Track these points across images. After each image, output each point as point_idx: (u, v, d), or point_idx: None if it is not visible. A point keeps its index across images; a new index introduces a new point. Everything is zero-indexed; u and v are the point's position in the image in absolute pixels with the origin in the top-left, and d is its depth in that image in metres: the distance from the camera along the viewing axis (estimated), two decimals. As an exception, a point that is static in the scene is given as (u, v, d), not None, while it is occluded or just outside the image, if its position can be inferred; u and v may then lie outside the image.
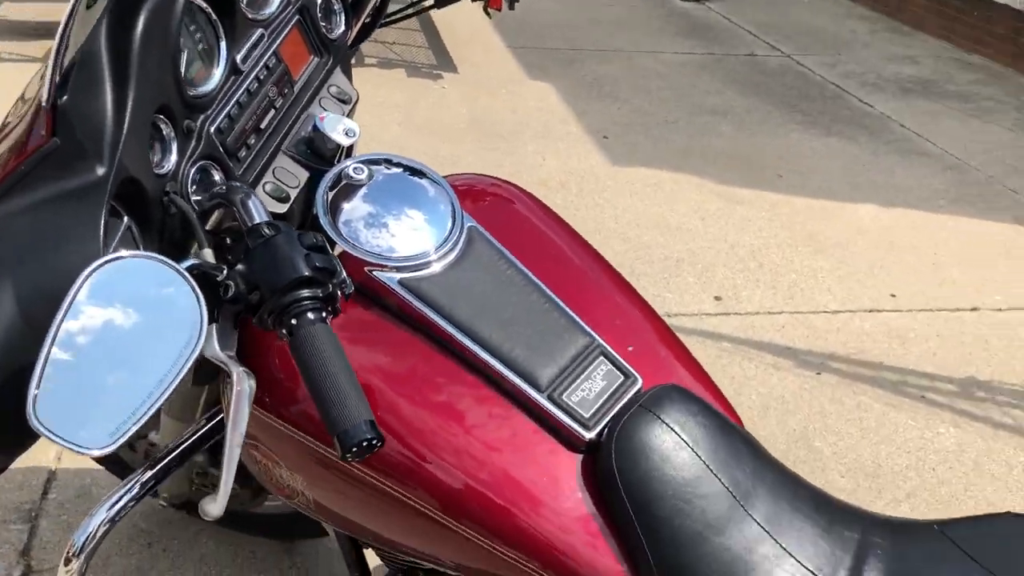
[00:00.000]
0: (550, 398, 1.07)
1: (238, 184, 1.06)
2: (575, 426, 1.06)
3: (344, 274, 0.96)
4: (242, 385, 0.93)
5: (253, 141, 1.19)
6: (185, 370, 0.81)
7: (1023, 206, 4.20)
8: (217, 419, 1.36)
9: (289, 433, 1.09)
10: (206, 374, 1.26)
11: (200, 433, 1.36)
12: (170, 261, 0.83)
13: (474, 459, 1.05)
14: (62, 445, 0.76)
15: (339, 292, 0.94)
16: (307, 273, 0.90)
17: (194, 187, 1.09)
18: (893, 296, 3.40)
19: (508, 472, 1.05)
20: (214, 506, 1.00)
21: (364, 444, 0.85)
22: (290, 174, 1.23)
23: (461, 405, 1.07)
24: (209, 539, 2.18)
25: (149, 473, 1.19)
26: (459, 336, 1.09)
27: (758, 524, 1.04)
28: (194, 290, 0.83)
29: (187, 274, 0.83)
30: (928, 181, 4.36)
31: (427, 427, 1.06)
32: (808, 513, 1.07)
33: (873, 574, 1.03)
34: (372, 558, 1.48)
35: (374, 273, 1.10)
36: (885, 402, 2.84)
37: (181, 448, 1.34)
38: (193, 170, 1.09)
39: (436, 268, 1.12)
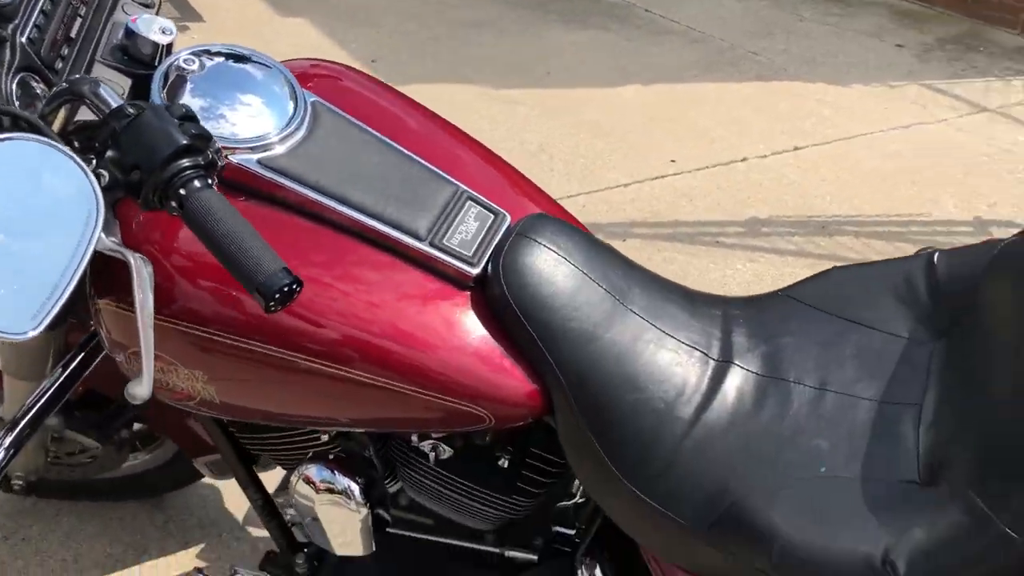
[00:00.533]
0: (432, 244, 1.12)
1: (79, 76, 1.03)
2: (461, 265, 1.13)
3: (217, 142, 0.96)
4: (142, 270, 0.93)
5: (67, 52, 1.15)
6: (92, 246, 0.80)
7: (764, 65, 4.60)
8: (73, 366, 1.32)
9: (182, 330, 1.08)
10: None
11: (56, 385, 1.32)
12: (55, 142, 0.80)
13: (371, 311, 1.09)
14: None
15: (217, 159, 0.94)
16: (185, 142, 0.90)
17: (18, 102, 1.04)
18: (673, 162, 3.66)
19: (407, 317, 1.10)
20: (141, 387, 0.99)
21: (285, 290, 0.87)
22: (112, 83, 1.19)
23: (348, 267, 1.10)
24: (70, 516, 2.09)
25: (5, 442, 1.15)
26: (331, 204, 1.11)
27: (638, 316, 1.15)
28: (80, 166, 0.81)
29: (72, 152, 0.81)
30: (679, 56, 4.67)
31: (320, 293, 1.08)
32: (676, 301, 1.20)
33: (739, 338, 1.17)
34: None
35: (231, 159, 1.10)
36: (687, 253, 3.09)
37: (37, 408, 1.29)
38: (14, 84, 1.04)
39: (290, 144, 1.14)
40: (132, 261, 0.92)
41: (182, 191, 0.89)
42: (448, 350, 1.10)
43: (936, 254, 1.19)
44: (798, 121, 4.04)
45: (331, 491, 1.28)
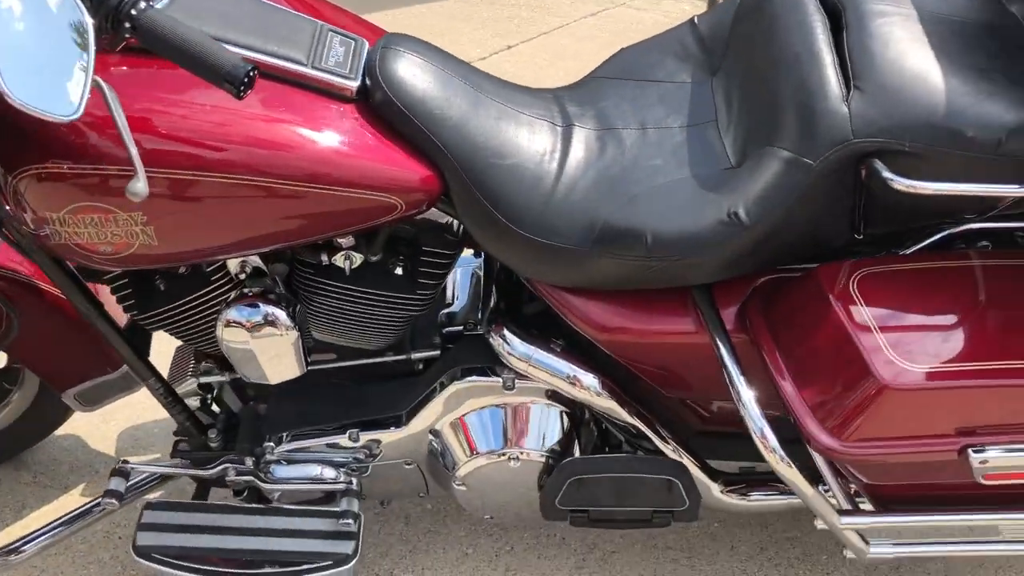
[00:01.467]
0: (314, 67, 1.30)
1: None
2: (343, 80, 1.32)
3: None
4: (112, 90, 1.04)
5: None
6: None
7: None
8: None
9: (120, 173, 1.19)
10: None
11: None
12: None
13: (283, 129, 1.27)
14: (44, 115, 0.85)
15: None
16: None
17: None
18: None
19: (314, 129, 1.29)
20: (139, 183, 1.10)
21: (249, 75, 1.03)
22: None
23: (251, 97, 1.26)
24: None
25: None
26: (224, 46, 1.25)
27: (496, 101, 1.41)
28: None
29: None
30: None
31: (236, 118, 1.24)
32: (517, 90, 1.47)
33: (571, 108, 1.46)
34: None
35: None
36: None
37: None
38: None
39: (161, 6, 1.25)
40: (104, 86, 1.03)
41: (133, 12, 1.01)
42: (355, 149, 1.30)
43: (695, 18, 1.54)
44: (503, 24, 4.42)
45: (260, 324, 1.43)
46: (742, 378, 1.33)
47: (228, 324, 1.44)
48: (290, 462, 1.65)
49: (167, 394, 1.65)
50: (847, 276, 1.27)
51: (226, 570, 1.58)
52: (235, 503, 1.69)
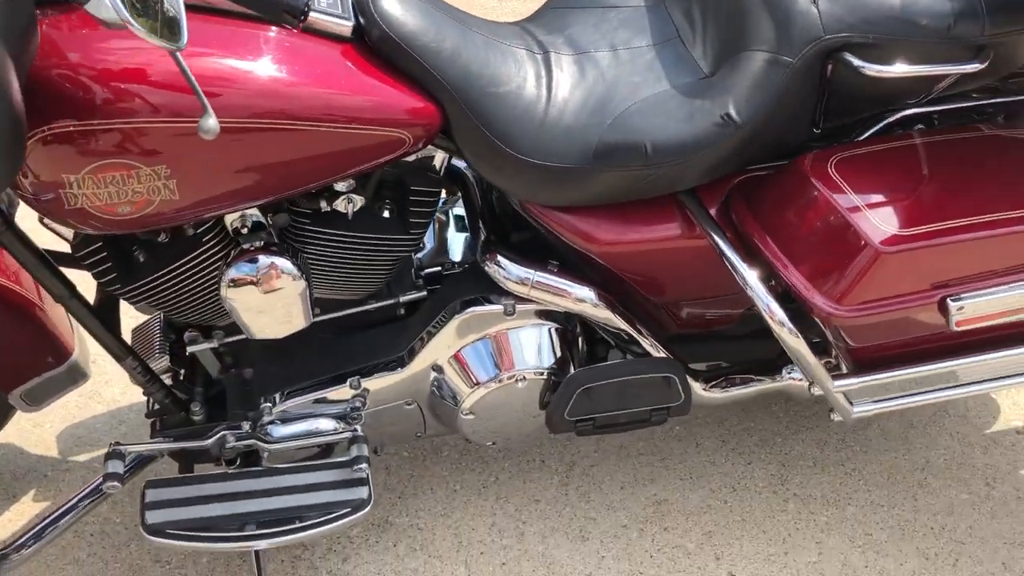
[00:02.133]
0: (307, 7, 1.30)
1: None
2: (340, 21, 1.33)
3: None
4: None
5: None
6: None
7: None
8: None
9: (146, 125, 1.16)
10: None
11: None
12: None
13: (294, 72, 1.27)
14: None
15: None
16: None
17: None
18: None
19: (322, 70, 1.30)
20: (209, 118, 1.07)
21: (305, 8, 1.04)
22: None
23: (262, 46, 1.26)
24: None
25: None
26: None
27: (480, 34, 1.45)
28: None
29: None
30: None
31: (243, 66, 1.23)
32: (488, 21, 1.51)
33: (544, 37, 1.53)
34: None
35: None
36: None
37: None
38: None
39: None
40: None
41: None
42: (364, 86, 1.32)
43: (637, -54, 1.64)
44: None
45: (270, 277, 1.42)
46: (743, 262, 1.45)
47: (235, 282, 1.42)
48: (288, 420, 1.64)
49: (144, 372, 1.60)
50: (824, 163, 1.41)
51: (245, 533, 1.57)
52: (236, 470, 1.66)
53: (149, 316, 1.80)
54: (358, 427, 1.64)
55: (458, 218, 1.80)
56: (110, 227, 1.27)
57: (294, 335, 1.57)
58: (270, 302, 1.45)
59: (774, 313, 1.45)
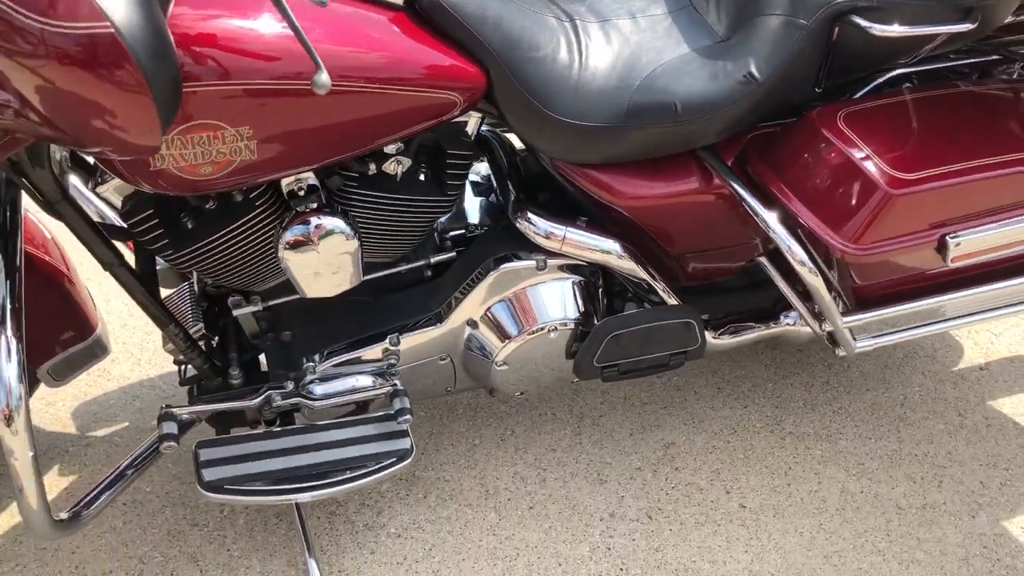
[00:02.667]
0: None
1: None
2: (391, -10, 1.41)
3: None
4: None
5: None
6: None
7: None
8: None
9: (241, 87, 1.23)
10: None
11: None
12: None
13: (359, 34, 1.35)
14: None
15: None
16: None
17: None
18: None
19: (384, 36, 1.38)
20: (322, 74, 1.15)
21: None
22: None
23: (326, 14, 1.33)
24: None
25: None
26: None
27: (516, 4, 1.54)
28: None
29: None
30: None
31: (323, 29, 1.31)
32: (521, -5, 1.61)
33: (567, 5, 1.62)
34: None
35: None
36: None
37: None
38: None
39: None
40: None
41: None
42: (422, 50, 1.40)
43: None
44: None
45: (328, 237, 1.49)
46: (763, 206, 1.59)
47: (293, 243, 1.49)
48: (329, 379, 1.72)
49: (186, 339, 1.66)
50: (833, 117, 1.55)
51: (298, 485, 1.64)
52: (283, 428, 1.73)
53: (173, 288, 1.86)
54: (397, 382, 1.73)
55: (472, 184, 1.89)
56: (187, 188, 1.33)
57: (330, 298, 1.65)
58: (326, 262, 1.52)
59: (795, 253, 1.58)
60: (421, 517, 1.90)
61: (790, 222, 1.59)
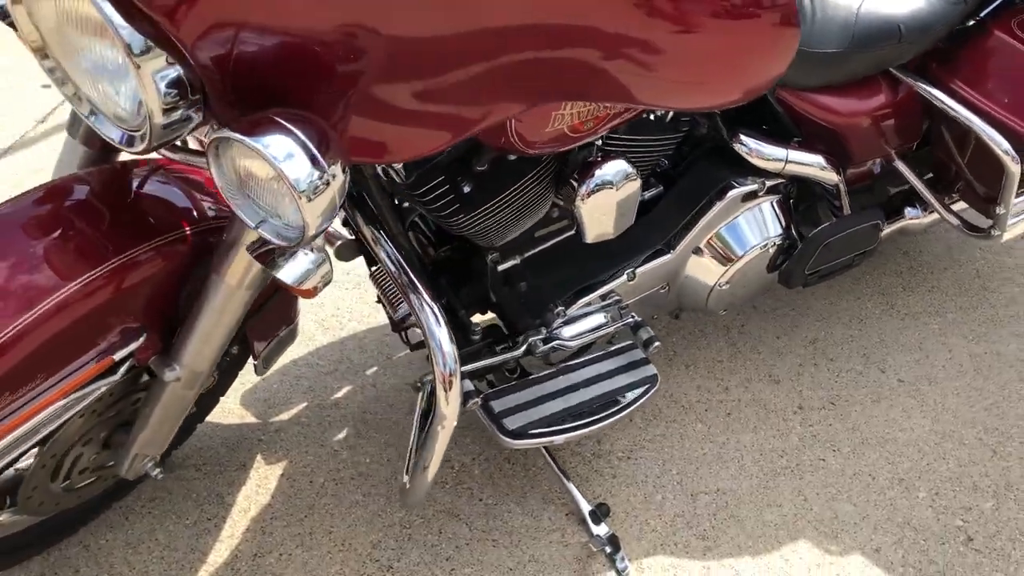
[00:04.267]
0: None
1: None
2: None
3: None
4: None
5: None
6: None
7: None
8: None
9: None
10: None
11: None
12: None
13: None
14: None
15: None
16: None
17: None
18: None
19: None
20: None
21: None
22: None
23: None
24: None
25: None
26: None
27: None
28: None
29: None
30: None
31: None
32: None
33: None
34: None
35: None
36: None
37: None
38: None
39: None
40: None
41: None
42: None
43: None
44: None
45: (624, 180, 1.57)
46: (965, 108, 1.82)
47: (597, 189, 1.56)
48: (575, 320, 1.81)
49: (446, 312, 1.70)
50: (1009, 26, 1.80)
51: (586, 420, 1.73)
52: (552, 369, 1.80)
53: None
54: (634, 314, 1.84)
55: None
56: (559, 144, 1.37)
57: (555, 248, 1.74)
58: (620, 203, 1.61)
59: (999, 143, 1.82)
60: (639, 439, 2.04)
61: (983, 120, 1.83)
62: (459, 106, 1.14)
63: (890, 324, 2.34)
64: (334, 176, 1.04)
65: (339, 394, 2.14)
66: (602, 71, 1.20)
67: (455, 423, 1.44)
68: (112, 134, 1.13)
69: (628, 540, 1.84)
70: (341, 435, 2.05)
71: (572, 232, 1.77)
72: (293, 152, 1.02)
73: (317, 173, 1.03)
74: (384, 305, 1.83)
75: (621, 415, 1.77)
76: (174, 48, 1.03)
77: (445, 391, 1.38)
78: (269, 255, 1.25)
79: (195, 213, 1.43)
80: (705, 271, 1.89)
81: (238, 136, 1.02)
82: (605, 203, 1.60)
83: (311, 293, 1.24)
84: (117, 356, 1.38)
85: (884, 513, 1.89)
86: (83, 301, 1.28)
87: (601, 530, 1.83)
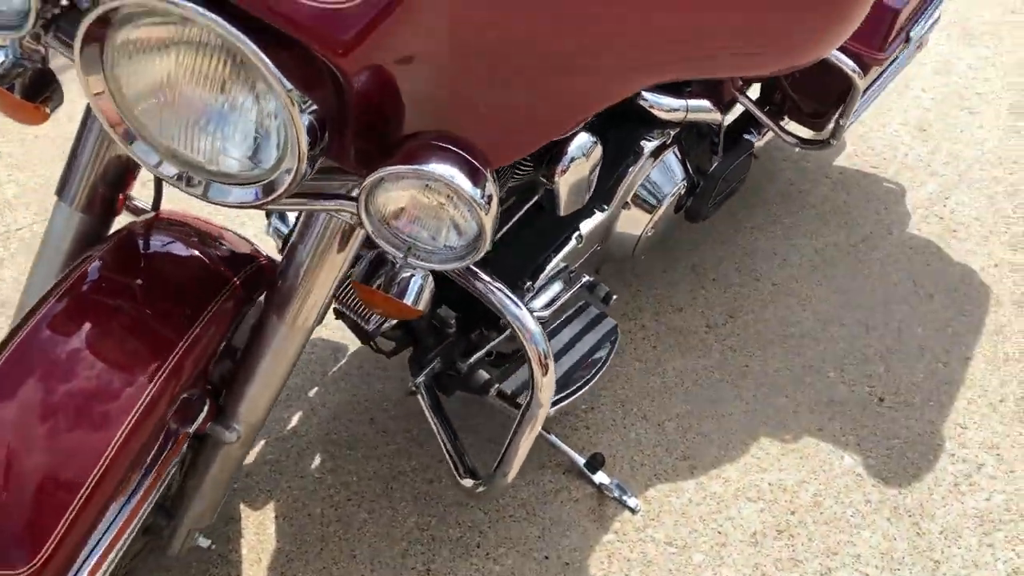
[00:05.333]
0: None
1: None
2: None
3: None
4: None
5: None
6: None
7: None
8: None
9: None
10: None
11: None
12: None
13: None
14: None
15: None
16: None
17: None
18: None
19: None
20: None
21: None
22: None
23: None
24: None
25: None
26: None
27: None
28: None
29: None
30: None
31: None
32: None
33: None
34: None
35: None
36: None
37: None
38: None
39: None
40: None
41: None
42: None
43: None
44: None
45: (589, 153, 1.68)
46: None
47: (570, 163, 1.65)
48: (541, 292, 1.91)
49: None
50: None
51: (577, 386, 1.84)
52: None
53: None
54: (585, 274, 1.97)
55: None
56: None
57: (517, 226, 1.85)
58: (588, 173, 1.71)
59: (846, 62, 2.12)
60: (593, 389, 2.18)
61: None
62: (579, 93, 1.21)
63: (745, 238, 2.65)
64: (492, 182, 1.08)
65: (292, 423, 2.08)
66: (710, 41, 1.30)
67: (549, 407, 1.50)
68: (226, 195, 1.06)
69: (625, 480, 1.99)
70: (316, 462, 2.00)
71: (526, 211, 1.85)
72: (463, 171, 1.04)
73: (483, 184, 1.06)
74: (349, 319, 1.81)
75: (601, 372, 1.91)
76: (312, 85, 1.00)
77: (542, 375, 1.43)
78: (371, 284, 1.24)
79: (230, 264, 1.36)
80: (633, 222, 2.06)
81: (410, 167, 1.02)
82: (579, 174, 1.70)
83: (421, 312, 1.24)
84: (191, 430, 1.30)
85: (811, 397, 2.19)
86: (160, 400, 1.21)
87: (602, 478, 1.96)
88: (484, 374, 1.78)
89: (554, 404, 1.81)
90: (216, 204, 1.08)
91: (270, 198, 1.04)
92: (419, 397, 1.82)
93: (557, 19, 1.12)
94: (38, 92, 1.18)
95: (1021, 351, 2.30)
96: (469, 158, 1.06)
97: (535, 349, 1.41)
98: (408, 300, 1.21)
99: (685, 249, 2.60)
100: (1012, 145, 2.94)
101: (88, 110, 1.28)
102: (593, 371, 1.90)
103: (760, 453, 2.06)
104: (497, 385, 1.76)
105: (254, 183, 1.07)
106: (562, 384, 1.84)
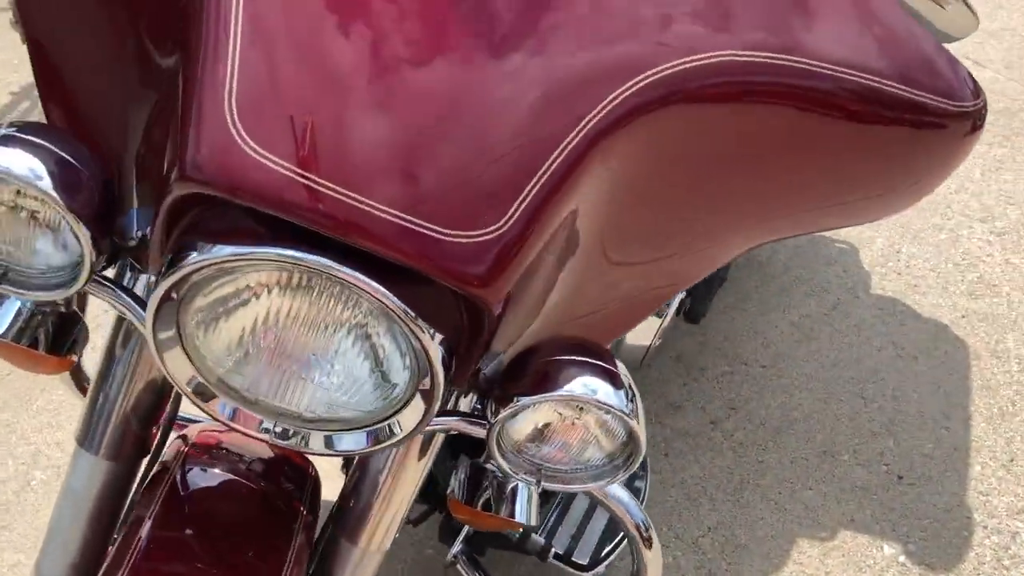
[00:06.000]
0: None
1: None
2: None
3: None
4: None
5: None
6: None
7: None
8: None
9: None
10: None
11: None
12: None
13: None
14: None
15: None
16: None
17: None
18: None
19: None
20: None
21: None
22: None
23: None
24: None
25: None
26: None
27: None
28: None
29: None
30: None
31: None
32: None
33: None
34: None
35: None
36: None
37: None
38: None
39: None
40: None
41: None
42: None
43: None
44: None
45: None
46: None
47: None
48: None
49: None
50: None
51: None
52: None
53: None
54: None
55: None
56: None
57: None
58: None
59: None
60: (617, 512, 2.06)
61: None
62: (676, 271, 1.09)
63: (720, 321, 2.60)
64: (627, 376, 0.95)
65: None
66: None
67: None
68: (343, 444, 0.90)
69: (677, 611, 1.87)
70: None
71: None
72: (603, 379, 0.91)
73: (623, 388, 0.93)
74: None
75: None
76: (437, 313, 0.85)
77: (647, 548, 1.29)
78: (474, 504, 1.08)
79: (290, 486, 1.17)
80: (641, 333, 1.96)
81: (558, 394, 0.88)
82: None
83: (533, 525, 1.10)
84: None
85: (834, 485, 2.14)
86: None
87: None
88: (537, 539, 1.63)
89: (608, 555, 1.68)
90: (325, 456, 0.91)
91: (401, 435, 0.89)
92: (459, 568, 1.65)
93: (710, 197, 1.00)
94: (63, 337, 0.97)
95: (1013, 404, 2.32)
96: (599, 363, 0.93)
97: (636, 532, 1.28)
98: (521, 518, 1.07)
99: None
100: (941, 192, 3.01)
101: (112, 350, 1.08)
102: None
103: (803, 558, 1.98)
104: (554, 549, 1.61)
105: (368, 426, 0.91)
106: (611, 532, 1.71)
